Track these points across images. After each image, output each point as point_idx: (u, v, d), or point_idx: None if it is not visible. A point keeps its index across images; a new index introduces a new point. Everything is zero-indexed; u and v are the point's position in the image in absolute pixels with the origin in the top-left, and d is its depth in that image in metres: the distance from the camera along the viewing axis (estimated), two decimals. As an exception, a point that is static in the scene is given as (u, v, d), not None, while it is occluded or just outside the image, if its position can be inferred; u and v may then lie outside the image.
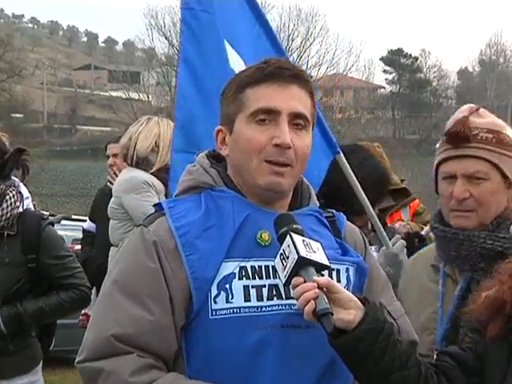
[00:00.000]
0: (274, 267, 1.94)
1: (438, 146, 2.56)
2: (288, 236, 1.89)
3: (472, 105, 2.57)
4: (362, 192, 3.35)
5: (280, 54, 3.40)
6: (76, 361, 1.93)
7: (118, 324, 1.89)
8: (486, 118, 2.51)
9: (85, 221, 6.16)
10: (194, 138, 3.15)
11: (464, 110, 2.52)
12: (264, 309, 1.93)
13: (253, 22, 3.36)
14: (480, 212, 2.46)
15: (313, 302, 1.83)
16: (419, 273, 2.62)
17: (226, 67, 3.13)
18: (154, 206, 2.08)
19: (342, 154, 3.49)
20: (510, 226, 2.48)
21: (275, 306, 1.94)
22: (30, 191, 4.36)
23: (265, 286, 1.94)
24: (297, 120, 1.99)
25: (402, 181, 5.00)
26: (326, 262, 1.90)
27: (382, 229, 3.39)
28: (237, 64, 3.21)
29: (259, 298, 1.93)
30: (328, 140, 3.49)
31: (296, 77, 2.01)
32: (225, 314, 1.91)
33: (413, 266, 2.74)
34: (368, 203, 3.36)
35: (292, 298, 1.91)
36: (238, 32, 3.32)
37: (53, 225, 3.84)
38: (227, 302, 1.91)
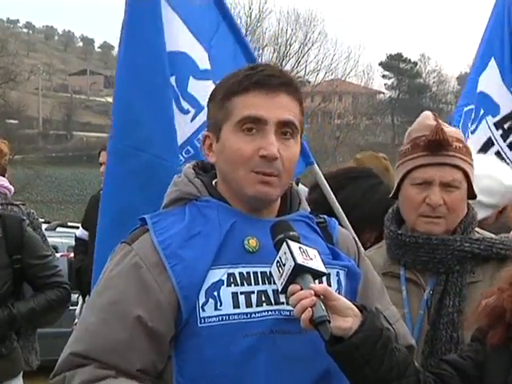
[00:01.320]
0: (262, 273, 1.93)
1: (402, 151, 2.60)
2: (284, 243, 1.88)
3: (429, 112, 2.65)
4: (340, 209, 3.30)
5: (247, 54, 3.27)
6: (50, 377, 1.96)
7: (76, 341, 1.91)
8: (450, 127, 2.62)
9: (80, 228, 6.14)
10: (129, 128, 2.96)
11: (429, 117, 2.60)
12: (253, 315, 1.91)
13: (219, 20, 3.22)
14: (449, 219, 2.55)
15: (310, 309, 1.81)
16: None
17: (162, 53, 2.94)
18: (139, 219, 2.07)
19: (315, 165, 3.44)
20: (474, 229, 2.60)
21: (264, 311, 1.92)
22: (25, 198, 4.42)
23: (253, 292, 1.93)
24: (285, 128, 1.97)
25: None
26: (322, 269, 1.89)
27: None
28: (188, 46, 3.05)
29: (248, 304, 1.92)
30: (302, 149, 3.44)
31: (284, 84, 1.98)
32: (213, 322, 1.89)
33: None
34: (347, 223, 3.26)
35: (281, 304, 1.91)
36: (198, 19, 3.16)
37: (28, 225, 3.91)
38: (216, 309, 1.90)
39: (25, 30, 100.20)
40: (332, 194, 3.35)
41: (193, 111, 3.03)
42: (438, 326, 2.48)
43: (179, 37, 3.05)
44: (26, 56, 69.99)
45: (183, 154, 3.02)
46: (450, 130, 2.57)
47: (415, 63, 56.97)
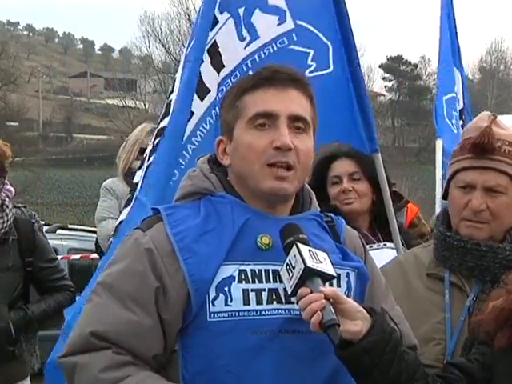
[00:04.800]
0: (274, 271, 1.93)
1: (454, 151, 2.56)
2: (294, 246, 1.88)
3: (489, 112, 2.57)
4: (389, 196, 3.46)
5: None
6: (57, 356, 1.94)
7: (97, 322, 1.89)
8: (507, 130, 2.52)
9: (81, 230, 6.12)
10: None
11: (484, 118, 2.52)
12: (263, 313, 1.91)
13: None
14: (493, 225, 2.46)
15: (319, 312, 1.81)
16: (411, 282, 2.59)
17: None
18: (152, 208, 2.08)
19: (379, 154, 3.50)
20: None
21: (274, 310, 1.92)
22: (25, 200, 4.48)
23: (264, 289, 1.93)
24: (297, 123, 1.98)
25: (393, 184, 4.96)
26: (332, 272, 1.89)
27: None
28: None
29: (259, 301, 1.92)
30: (370, 132, 3.47)
31: (294, 80, 2.00)
32: (223, 317, 1.90)
33: (400, 275, 2.66)
34: (391, 207, 3.47)
35: (292, 303, 1.90)
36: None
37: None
38: (226, 304, 1.90)
39: (25, 33, 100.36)
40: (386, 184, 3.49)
41: (248, 38, 3.23)
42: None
43: None
44: (27, 58, 70.13)
45: (232, 78, 3.19)
46: (503, 133, 2.48)
47: (415, 65, 57.02)
